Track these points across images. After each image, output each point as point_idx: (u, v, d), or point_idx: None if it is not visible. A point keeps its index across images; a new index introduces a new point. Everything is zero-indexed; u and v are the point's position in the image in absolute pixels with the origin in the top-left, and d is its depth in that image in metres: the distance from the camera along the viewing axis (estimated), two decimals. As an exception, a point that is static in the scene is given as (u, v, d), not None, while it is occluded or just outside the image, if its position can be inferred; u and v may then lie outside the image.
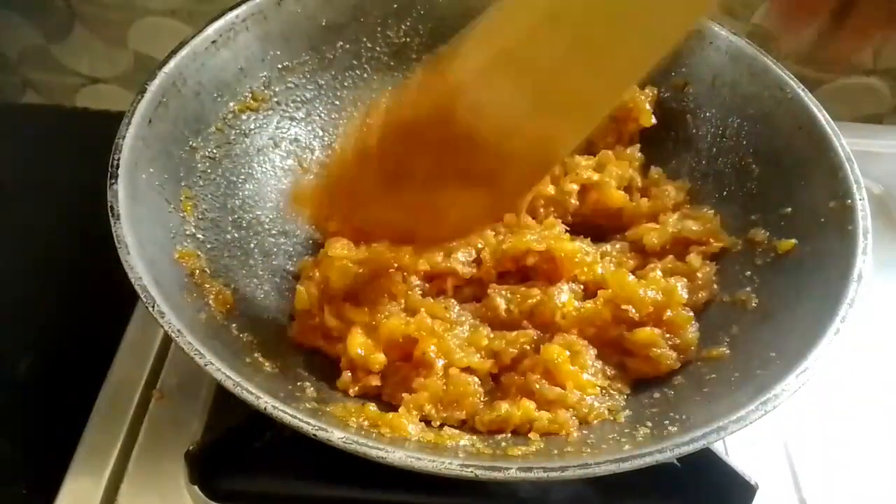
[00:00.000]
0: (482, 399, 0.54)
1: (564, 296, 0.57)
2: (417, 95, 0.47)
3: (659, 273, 0.58)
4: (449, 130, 0.44)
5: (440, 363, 0.53)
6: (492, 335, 0.56)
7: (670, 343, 0.55)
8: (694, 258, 0.61)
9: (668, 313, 0.55)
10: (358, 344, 0.53)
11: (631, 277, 0.56)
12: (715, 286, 0.60)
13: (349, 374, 0.54)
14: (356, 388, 0.54)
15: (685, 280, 0.59)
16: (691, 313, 0.57)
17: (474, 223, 0.53)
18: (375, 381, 0.54)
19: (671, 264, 0.61)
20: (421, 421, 0.52)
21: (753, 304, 0.58)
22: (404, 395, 0.53)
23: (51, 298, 0.70)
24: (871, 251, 0.54)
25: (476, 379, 0.54)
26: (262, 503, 0.55)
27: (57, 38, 0.93)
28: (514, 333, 0.56)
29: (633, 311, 0.55)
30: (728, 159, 0.66)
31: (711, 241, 0.62)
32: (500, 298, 0.58)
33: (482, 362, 0.54)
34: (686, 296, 0.57)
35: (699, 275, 0.60)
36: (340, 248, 0.57)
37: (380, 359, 0.53)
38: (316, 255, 0.63)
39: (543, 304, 0.57)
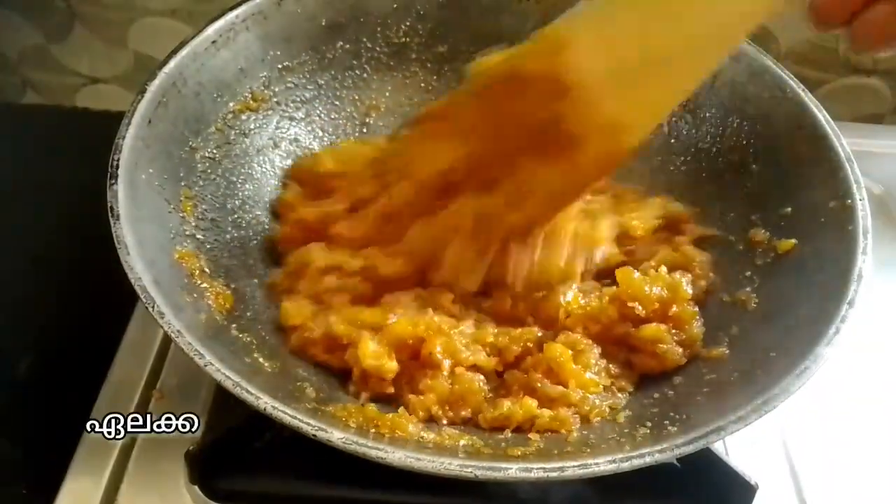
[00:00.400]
0: (487, 396, 0.54)
1: (570, 294, 0.57)
2: (529, 49, 0.53)
3: (664, 269, 0.58)
4: (549, 81, 0.51)
5: (447, 363, 0.53)
6: (496, 331, 0.56)
7: (676, 339, 0.56)
8: (688, 249, 0.61)
9: (674, 309, 0.56)
10: (370, 354, 0.53)
11: (637, 274, 0.56)
12: (711, 274, 0.61)
13: (354, 385, 0.54)
14: (366, 396, 0.53)
15: (689, 275, 0.59)
16: (696, 308, 0.57)
17: (548, 206, 0.57)
18: (389, 389, 0.53)
19: (670, 256, 0.61)
20: (426, 421, 0.52)
21: (753, 304, 0.58)
22: (410, 396, 0.53)
23: (51, 298, 0.70)
24: (871, 251, 0.54)
25: (481, 377, 0.54)
26: (262, 503, 0.55)
27: (57, 38, 0.93)
28: (519, 331, 0.56)
29: (640, 308, 0.55)
30: (728, 159, 0.66)
31: (692, 225, 0.64)
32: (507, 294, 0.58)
33: (487, 360, 0.54)
34: (690, 291, 0.57)
35: (696, 263, 0.61)
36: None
37: (392, 367, 0.53)
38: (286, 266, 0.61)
39: (548, 300, 0.57)
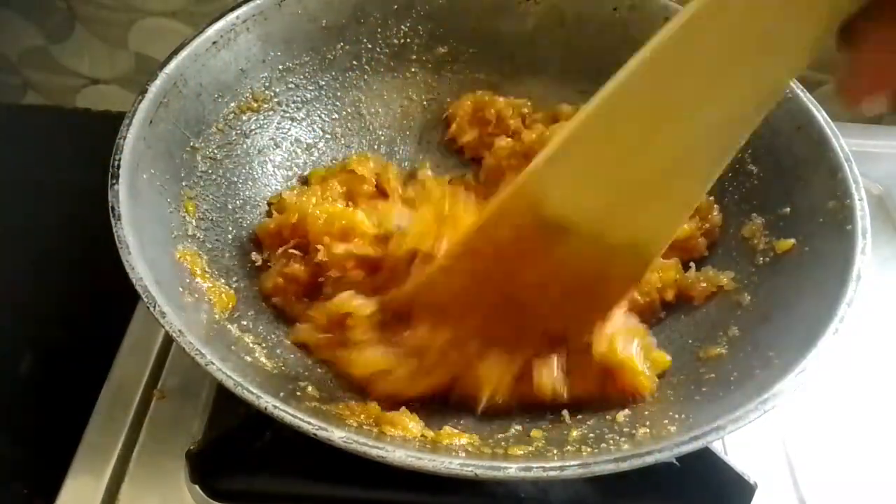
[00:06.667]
0: None
1: None
2: (497, 218, 0.48)
3: None
4: (539, 236, 0.47)
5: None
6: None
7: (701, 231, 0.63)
8: None
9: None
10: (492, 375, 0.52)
11: None
12: (716, 206, 0.64)
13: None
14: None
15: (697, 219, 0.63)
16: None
17: (581, 322, 0.52)
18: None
19: None
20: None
21: (752, 304, 0.58)
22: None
23: (51, 298, 0.70)
24: (869, 251, 0.54)
25: None
26: (263, 503, 0.55)
27: (57, 39, 0.93)
28: None
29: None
30: (727, 159, 0.66)
31: None
32: None
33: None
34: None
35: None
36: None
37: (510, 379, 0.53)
38: None
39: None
